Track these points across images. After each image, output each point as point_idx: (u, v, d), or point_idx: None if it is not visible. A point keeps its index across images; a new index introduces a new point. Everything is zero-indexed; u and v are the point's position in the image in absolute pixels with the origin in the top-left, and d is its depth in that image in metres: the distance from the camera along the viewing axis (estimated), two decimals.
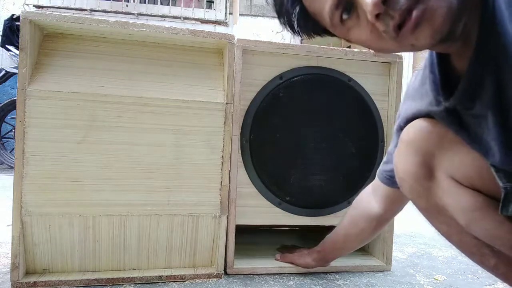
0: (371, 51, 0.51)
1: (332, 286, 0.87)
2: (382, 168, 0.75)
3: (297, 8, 0.48)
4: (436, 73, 0.51)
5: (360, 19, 0.43)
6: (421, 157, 0.56)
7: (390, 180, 0.71)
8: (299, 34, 0.51)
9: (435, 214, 0.58)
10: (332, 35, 0.50)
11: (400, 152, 0.59)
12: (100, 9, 3.46)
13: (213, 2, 3.71)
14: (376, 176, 0.78)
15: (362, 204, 0.83)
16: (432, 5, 0.37)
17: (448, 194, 0.54)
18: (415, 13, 0.38)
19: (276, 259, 0.96)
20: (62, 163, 0.79)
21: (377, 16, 0.39)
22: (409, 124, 0.59)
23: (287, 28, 0.51)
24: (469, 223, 0.53)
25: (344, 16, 0.44)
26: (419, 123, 0.57)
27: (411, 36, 0.40)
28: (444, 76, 0.50)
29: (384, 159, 0.76)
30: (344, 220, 0.87)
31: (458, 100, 0.48)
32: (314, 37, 0.53)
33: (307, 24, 0.50)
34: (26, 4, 3.38)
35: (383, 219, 0.80)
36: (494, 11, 0.39)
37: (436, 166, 0.55)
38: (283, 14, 0.50)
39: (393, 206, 0.77)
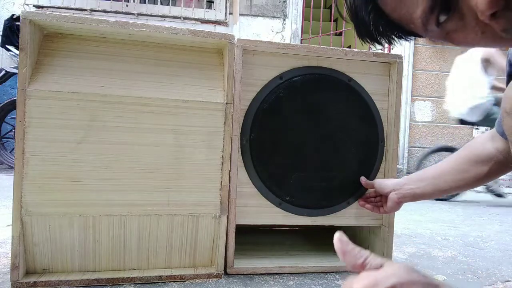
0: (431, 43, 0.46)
1: (332, 286, 0.87)
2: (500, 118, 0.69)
3: (374, 16, 0.42)
4: None
5: (466, 19, 0.36)
6: None
7: None
8: (380, 43, 0.45)
9: None
10: (420, 37, 0.44)
11: None
12: (100, 9, 3.46)
13: (213, 2, 3.71)
14: (498, 131, 0.72)
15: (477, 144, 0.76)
16: None
17: None
18: None
19: None
20: (62, 163, 0.79)
21: (493, 14, 0.32)
22: None
23: (366, 40, 0.44)
24: None
25: (442, 18, 0.37)
26: None
27: None
28: None
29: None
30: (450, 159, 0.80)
31: None
32: (396, 43, 0.46)
33: (388, 31, 0.43)
34: (26, 4, 3.38)
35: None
36: None
37: None
38: (360, 24, 0.43)
39: None
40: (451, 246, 1.28)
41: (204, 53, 0.92)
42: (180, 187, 0.86)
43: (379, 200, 0.94)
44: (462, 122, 2.58)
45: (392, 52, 3.40)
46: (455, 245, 1.30)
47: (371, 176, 1.00)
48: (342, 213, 0.99)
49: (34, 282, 0.78)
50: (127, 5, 3.53)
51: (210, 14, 3.64)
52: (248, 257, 0.99)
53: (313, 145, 0.96)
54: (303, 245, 1.14)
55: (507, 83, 0.61)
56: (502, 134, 0.70)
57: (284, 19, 3.74)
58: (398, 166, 3.33)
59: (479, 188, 3.20)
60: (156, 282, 0.84)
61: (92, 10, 3.44)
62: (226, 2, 3.63)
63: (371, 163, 1.00)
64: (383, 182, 0.90)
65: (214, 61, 0.92)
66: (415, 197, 0.85)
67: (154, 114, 0.83)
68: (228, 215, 0.90)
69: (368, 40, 0.44)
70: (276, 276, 0.92)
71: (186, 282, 0.86)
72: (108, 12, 3.44)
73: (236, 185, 0.91)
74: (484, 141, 0.76)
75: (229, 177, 0.89)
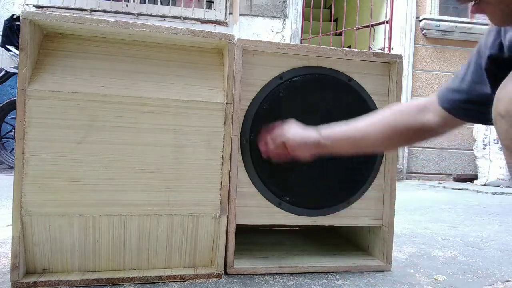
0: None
1: (332, 286, 0.87)
2: (450, 95, 0.70)
3: None
4: None
5: None
6: None
7: (462, 111, 0.68)
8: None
9: None
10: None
11: (511, 87, 0.53)
12: (100, 9, 3.46)
13: (213, 2, 3.71)
14: (438, 101, 0.73)
15: (410, 109, 0.77)
16: None
17: None
18: None
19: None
20: (62, 163, 0.79)
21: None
22: None
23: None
24: None
25: None
26: None
27: None
28: None
29: (453, 85, 0.71)
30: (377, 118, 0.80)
31: None
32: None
33: None
34: (26, 4, 3.38)
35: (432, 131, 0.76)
36: None
37: None
38: None
39: (447, 130, 0.75)
40: (451, 246, 1.28)
41: (204, 53, 0.92)
42: (180, 187, 0.86)
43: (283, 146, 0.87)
44: None
45: (392, 52, 3.40)
46: (455, 245, 1.30)
47: (371, 176, 1.00)
48: (342, 213, 0.99)
49: (34, 282, 0.78)
50: (127, 5, 3.53)
51: (210, 14, 3.64)
52: (248, 257, 0.99)
53: None
54: (303, 245, 1.14)
55: (488, 66, 0.61)
56: (446, 109, 0.70)
57: (284, 19, 3.74)
58: (398, 166, 3.34)
59: (481, 188, 3.21)
60: (156, 282, 0.84)
61: (92, 10, 3.44)
62: (226, 2, 3.63)
63: (371, 163, 1.00)
64: (303, 138, 0.83)
65: (214, 61, 0.92)
66: (328, 153, 0.85)
67: (154, 114, 0.84)
68: (228, 215, 0.90)
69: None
70: (276, 276, 0.92)
71: (186, 282, 0.86)
72: (108, 12, 3.44)
73: (236, 185, 0.91)
74: (415, 112, 0.76)
75: (229, 177, 0.89)
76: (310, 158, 0.86)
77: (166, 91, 0.85)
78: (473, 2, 0.51)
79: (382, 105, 1.01)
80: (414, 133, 0.77)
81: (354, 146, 0.82)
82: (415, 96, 3.86)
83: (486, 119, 0.67)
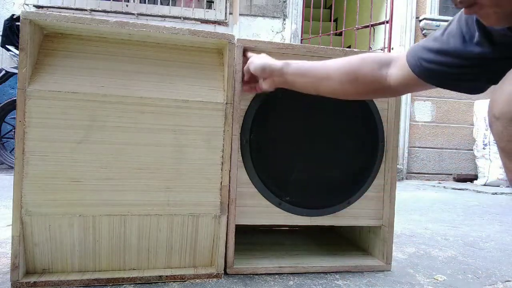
0: None
1: (332, 286, 0.87)
2: (421, 54, 0.68)
3: None
4: None
5: None
6: None
7: (430, 73, 0.67)
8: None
9: None
10: None
11: (506, 89, 0.54)
12: (100, 9, 3.46)
13: (213, 2, 3.72)
14: (406, 59, 0.71)
15: (374, 62, 0.76)
16: None
17: None
18: None
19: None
20: (62, 163, 0.79)
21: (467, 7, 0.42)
22: None
23: None
24: None
25: None
26: None
27: None
28: None
29: (428, 43, 0.69)
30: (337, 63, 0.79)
31: None
32: None
33: None
34: (26, 4, 3.38)
35: (388, 90, 0.75)
36: None
37: None
38: None
39: (405, 89, 0.75)
40: (451, 246, 1.29)
41: (204, 53, 0.92)
42: (180, 187, 0.86)
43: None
44: None
45: (392, 52, 3.40)
46: (455, 245, 1.30)
47: (371, 175, 1.00)
48: (342, 213, 0.99)
49: (34, 282, 0.78)
50: (127, 5, 3.54)
51: (210, 14, 3.64)
52: (248, 257, 0.99)
53: (313, 145, 0.96)
54: (303, 245, 1.14)
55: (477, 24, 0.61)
56: (417, 71, 0.69)
57: (284, 19, 3.74)
58: (398, 166, 3.35)
59: (481, 188, 3.20)
60: (156, 282, 0.84)
61: (92, 10, 3.45)
62: (226, 2, 3.63)
63: (371, 163, 1.00)
64: (266, 62, 0.85)
65: (214, 61, 0.92)
66: (290, 87, 0.86)
67: (154, 114, 0.84)
68: (228, 215, 0.90)
69: None
70: (276, 276, 0.92)
71: (186, 282, 0.86)
72: (108, 12, 3.44)
73: (236, 185, 0.91)
74: (378, 65, 0.76)
75: (229, 177, 0.89)
76: (272, 88, 0.87)
77: (166, 91, 0.85)
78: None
79: (382, 105, 1.01)
80: (370, 85, 0.76)
81: (315, 85, 0.82)
82: (415, 96, 3.86)
83: (450, 85, 0.67)
